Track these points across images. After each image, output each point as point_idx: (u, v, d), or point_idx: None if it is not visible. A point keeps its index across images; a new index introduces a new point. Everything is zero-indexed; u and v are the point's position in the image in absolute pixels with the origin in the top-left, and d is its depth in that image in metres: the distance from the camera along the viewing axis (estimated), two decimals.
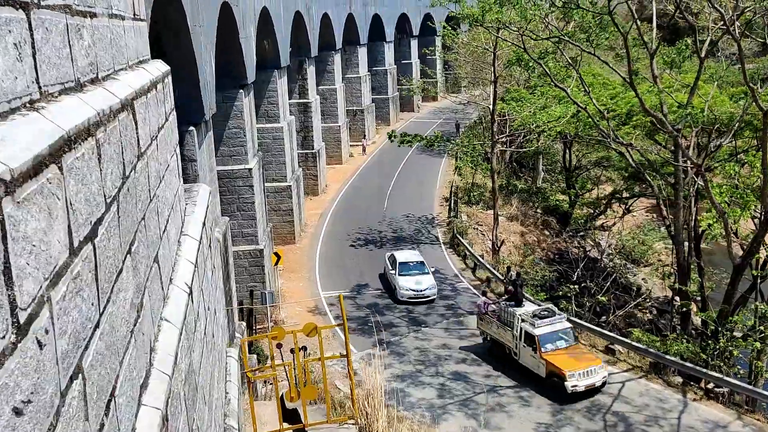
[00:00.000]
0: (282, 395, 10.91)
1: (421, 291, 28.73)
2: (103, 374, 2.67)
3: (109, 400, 2.75)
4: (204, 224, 7.14)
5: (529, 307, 23.33)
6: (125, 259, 3.37)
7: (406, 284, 28.79)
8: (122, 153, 3.48)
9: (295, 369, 9.23)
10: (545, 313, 22.80)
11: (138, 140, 4.06)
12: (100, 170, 2.90)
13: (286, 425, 10.17)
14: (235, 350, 9.74)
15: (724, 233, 26.30)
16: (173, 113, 6.45)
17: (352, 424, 9.37)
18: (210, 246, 7.66)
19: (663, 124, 24.06)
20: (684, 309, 25.06)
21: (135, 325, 3.47)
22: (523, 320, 22.23)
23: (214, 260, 8.32)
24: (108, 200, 3.01)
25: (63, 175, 2.28)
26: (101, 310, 2.74)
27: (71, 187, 2.39)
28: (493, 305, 24.17)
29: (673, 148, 27.29)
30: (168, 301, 4.67)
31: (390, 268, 30.31)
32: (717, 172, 30.06)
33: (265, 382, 20.57)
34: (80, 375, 2.32)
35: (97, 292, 2.68)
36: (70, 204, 2.36)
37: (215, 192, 19.43)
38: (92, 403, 2.45)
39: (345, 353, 10.11)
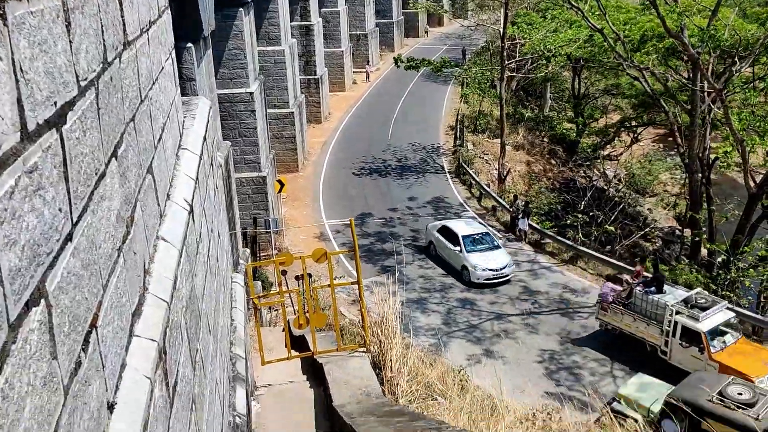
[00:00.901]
0: (289, 322, 10.54)
1: (501, 270, 23.91)
2: (78, 300, 2.11)
3: (89, 332, 2.20)
4: (205, 139, 6.51)
5: (673, 293, 19.09)
6: (109, 162, 2.77)
7: (482, 264, 23.81)
8: (102, 32, 2.82)
9: (303, 295, 8.81)
10: (703, 301, 18.36)
11: (123, 24, 3.39)
12: (70, 42, 2.26)
13: (294, 353, 9.83)
14: (240, 276, 9.26)
15: (738, 162, 25.66)
16: (167, 12, 5.73)
17: (363, 352, 8.99)
18: (212, 164, 7.05)
19: (684, 45, 23.00)
20: (696, 238, 24.60)
21: (124, 242, 2.90)
22: (677, 312, 18.09)
23: (216, 181, 7.73)
24: (82, 83, 2.39)
25: (6, 26, 1.66)
26: (75, 220, 2.16)
27: (22, 47, 1.76)
28: (611, 290, 20.07)
29: (688, 73, 26.29)
30: (165, 218, 4.10)
31: (447, 243, 25.12)
32: (736, 97, 29.07)
33: (269, 309, 20.35)
34: (42, 301, 1.76)
35: (67, 197, 2.10)
36: (21, 70, 1.74)
37: (215, 114, 18.66)
38: (62, 337, 1.89)
39: (354, 279, 9.66)
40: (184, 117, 6.62)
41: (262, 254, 25.08)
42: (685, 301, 18.37)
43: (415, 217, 30.14)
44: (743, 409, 13.70)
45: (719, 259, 24.38)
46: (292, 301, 9.71)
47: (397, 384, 7.63)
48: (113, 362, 2.48)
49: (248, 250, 16.12)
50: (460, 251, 24.32)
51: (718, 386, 14.60)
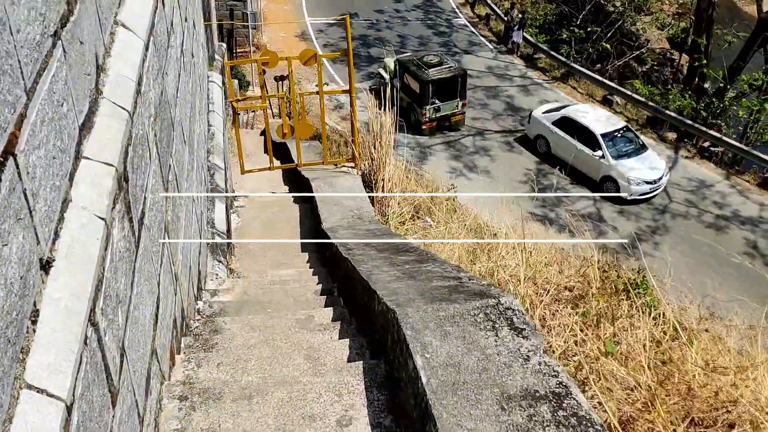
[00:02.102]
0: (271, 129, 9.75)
1: (659, 181, 18.37)
2: None
3: (0, 164, 1.43)
4: None
5: None
6: None
7: (638, 174, 17.98)
8: None
9: (288, 102, 7.93)
10: None
11: None
12: None
13: (276, 162, 9.16)
14: (217, 74, 8.29)
15: None
16: None
17: (351, 167, 8.36)
18: None
19: None
20: (696, 63, 23.54)
21: (63, 25, 2.04)
22: None
23: None
24: None
25: None
26: None
27: None
28: None
29: None
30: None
31: (576, 143, 18.80)
32: None
33: (246, 111, 19.40)
34: None
35: None
36: None
37: None
38: None
39: (345, 88, 8.76)
40: None
41: (238, 50, 23.58)
42: None
43: (403, 21, 28.39)
44: (425, 69, 19.57)
45: (706, 85, 23.61)
46: (270, 106, 8.85)
47: (388, 205, 7.12)
48: (49, 200, 1.74)
49: (224, 45, 14.84)
50: (602, 157, 18.18)
51: (422, 55, 20.82)
